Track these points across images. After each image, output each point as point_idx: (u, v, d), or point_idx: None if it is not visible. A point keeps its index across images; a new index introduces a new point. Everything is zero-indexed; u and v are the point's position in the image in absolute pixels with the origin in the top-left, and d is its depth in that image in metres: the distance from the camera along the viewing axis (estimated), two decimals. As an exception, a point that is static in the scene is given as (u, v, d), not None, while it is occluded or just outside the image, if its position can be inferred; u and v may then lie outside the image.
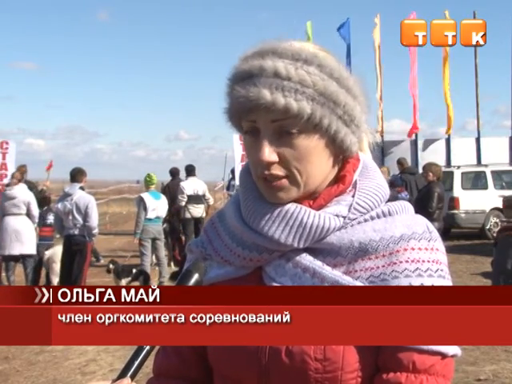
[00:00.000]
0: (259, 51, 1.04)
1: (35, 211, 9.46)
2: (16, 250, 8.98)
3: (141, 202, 9.39)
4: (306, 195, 1.07)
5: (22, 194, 9.22)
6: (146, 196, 9.47)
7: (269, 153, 1.01)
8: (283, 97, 0.99)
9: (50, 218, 10.55)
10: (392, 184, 9.14)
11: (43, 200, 10.81)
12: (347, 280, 1.02)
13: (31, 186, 9.98)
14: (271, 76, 1.00)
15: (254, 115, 1.02)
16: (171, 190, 11.42)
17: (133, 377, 0.88)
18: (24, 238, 9.08)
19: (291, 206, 1.05)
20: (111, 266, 9.10)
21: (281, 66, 1.00)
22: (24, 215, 9.13)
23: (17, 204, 9.05)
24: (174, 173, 11.99)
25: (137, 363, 0.89)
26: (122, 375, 0.88)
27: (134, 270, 9.16)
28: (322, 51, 1.06)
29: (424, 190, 8.95)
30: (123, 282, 9.05)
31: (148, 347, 0.90)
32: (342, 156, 1.09)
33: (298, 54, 1.02)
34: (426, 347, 0.98)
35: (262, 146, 1.01)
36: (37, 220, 9.60)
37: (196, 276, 0.96)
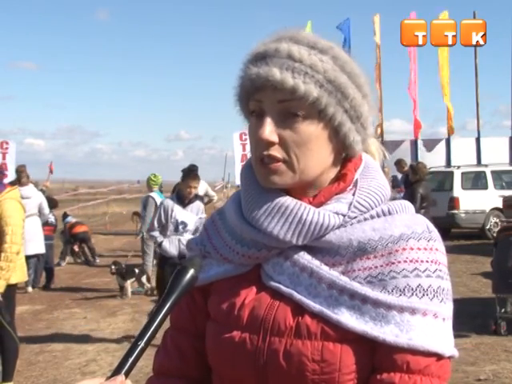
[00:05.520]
0: (277, 36, 1.06)
1: (46, 210, 9.46)
2: (30, 250, 8.94)
3: (152, 201, 9.34)
4: (306, 189, 1.07)
5: (35, 194, 9.20)
6: (155, 196, 9.46)
7: (270, 132, 1.01)
8: (292, 77, 1.00)
9: (51, 218, 10.57)
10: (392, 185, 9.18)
11: (51, 202, 10.81)
12: (344, 280, 1.01)
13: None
14: (284, 57, 1.01)
15: (262, 95, 1.03)
16: None
17: (127, 374, 0.87)
18: (37, 238, 9.04)
19: (291, 202, 1.05)
20: (113, 267, 9.08)
21: (295, 49, 1.02)
22: (35, 215, 9.09)
23: (31, 204, 9.00)
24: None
25: (131, 360, 0.87)
26: (116, 372, 0.86)
27: (137, 270, 9.17)
28: (337, 46, 1.07)
29: (408, 191, 9.02)
30: (128, 282, 9.07)
31: (142, 344, 0.88)
32: (344, 154, 1.09)
33: (314, 43, 1.04)
34: (421, 348, 0.97)
35: (264, 125, 1.02)
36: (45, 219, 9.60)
37: (191, 272, 0.95)
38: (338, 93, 1.02)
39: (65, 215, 13.86)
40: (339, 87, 1.02)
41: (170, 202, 6.27)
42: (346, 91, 1.03)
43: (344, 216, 1.04)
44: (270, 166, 1.03)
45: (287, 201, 1.05)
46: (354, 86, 1.04)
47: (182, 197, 6.25)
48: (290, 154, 1.02)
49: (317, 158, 1.04)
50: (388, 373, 0.99)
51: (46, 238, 10.21)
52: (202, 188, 11.30)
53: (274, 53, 1.02)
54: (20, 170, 9.86)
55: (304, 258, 1.05)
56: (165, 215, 6.21)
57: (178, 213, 6.19)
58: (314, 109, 1.01)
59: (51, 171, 15.50)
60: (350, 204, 1.05)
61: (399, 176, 11.87)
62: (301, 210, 1.04)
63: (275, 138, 1.02)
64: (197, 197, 6.41)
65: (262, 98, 1.03)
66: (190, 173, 6.24)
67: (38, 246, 9.07)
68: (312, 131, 1.02)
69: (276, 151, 1.02)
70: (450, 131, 18.55)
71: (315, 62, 1.01)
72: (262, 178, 1.05)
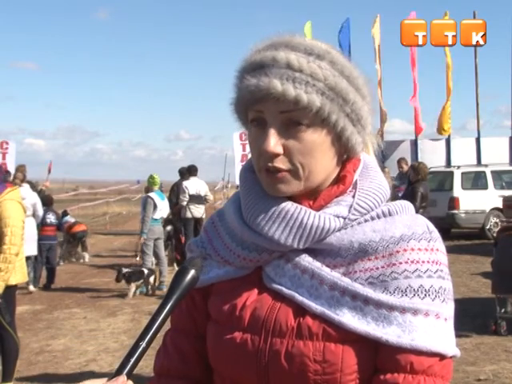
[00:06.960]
0: (272, 43, 1.04)
1: (40, 211, 9.43)
2: (26, 251, 8.92)
3: (151, 202, 9.33)
4: (307, 193, 1.06)
5: (29, 195, 9.16)
6: (154, 196, 9.45)
7: (274, 144, 1.01)
8: (294, 88, 0.98)
9: (51, 218, 10.55)
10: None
11: (46, 200, 10.78)
12: (346, 281, 1.02)
13: (31, 187, 9.93)
14: (283, 67, 1.00)
15: (263, 105, 1.01)
16: (179, 190, 11.44)
17: (129, 374, 0.87)
18: (31, 240, 9.01)
19: (291, 207, 1.05)
20: (115, 276, 9.09)
21: (293, 58, 1.00)
22: (30, 216, 9.06)
23: (25, 205, 8.95)
24: (182, 172, 11.98)
25: (132, 361, 0.87)
26: (118, 373, 0.87)
27: (146, 271, 9.14)
28: (333, 49, 1.06)
29: (408, 189, 9.03)
30: (133, 285, 9.06)
31: (144, 344, 0.89)
32: (345, 155, 1.09)
33: (310, 49, 1.02)
34: (424, 348, 0.97)
35: (268, 137, 1.01)
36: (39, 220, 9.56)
37: (192, 272, 0.95)
38: (340, 98, 1.02)
39: (64, 214, 13.86)
40: (340, 93, 1.01)
41: None
42: (347, 96, 1.02)
43: (344, 219, 1.04)
44: (275, 175, 1.03)
45: (287, 205, 1.05)
46: (353, 90, 1.03)
47: None
48: (295, 163, 1.02)
49: (321, 164, 1.04)
50: (392, 373, 0.99)
51: (49, 238, 10.20)
52: (203, 189, 11.32)
53: (271, 62, 1.00)
54: (16, 170, 9.83)
55: (305, 260, 1.05)
56: None
57: None
58: (317, 117, 1.01)
59: (49, 170, 15.51)
60: (350, 207, 1.05)
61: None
62: (301, 215, 1.04)
63: (280, 150, 1.01)
64: None
65: (263, 109, 1.02)
66: None
67: (32, 248, 9.06)
68: (316, 139, 1.02)
69: (281, 162, 1.02)
70: (440, 131, 18.47)
71: (315, 70, 1.00)
72: (268, 187, 1.05)
